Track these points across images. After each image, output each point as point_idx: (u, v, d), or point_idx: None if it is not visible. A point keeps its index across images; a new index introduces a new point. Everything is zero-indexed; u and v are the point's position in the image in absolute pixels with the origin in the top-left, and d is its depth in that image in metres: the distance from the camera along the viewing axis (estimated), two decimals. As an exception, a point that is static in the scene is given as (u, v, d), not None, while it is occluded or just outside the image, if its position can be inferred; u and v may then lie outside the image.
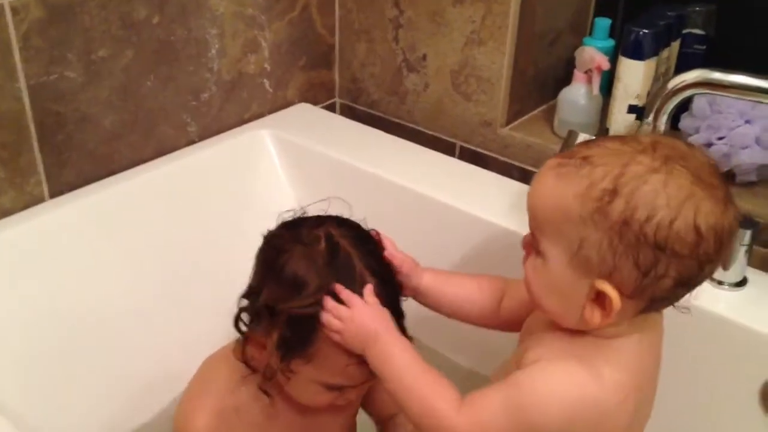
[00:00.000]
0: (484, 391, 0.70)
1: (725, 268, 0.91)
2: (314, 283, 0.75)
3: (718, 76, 0.83)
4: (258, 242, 1.19)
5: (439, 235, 1.15)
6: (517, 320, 0.81)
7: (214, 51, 1.18)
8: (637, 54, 1.04)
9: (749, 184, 1.08)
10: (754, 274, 0.93)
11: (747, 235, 0.89)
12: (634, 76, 1.05)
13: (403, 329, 0.79)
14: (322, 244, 0.77)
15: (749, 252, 0.90)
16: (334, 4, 1.34)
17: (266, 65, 1.28)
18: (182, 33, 1.13)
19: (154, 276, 1.11)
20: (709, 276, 0.66)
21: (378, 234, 0.84)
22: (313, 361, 0.77)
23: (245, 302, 0.82)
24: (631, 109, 1.08)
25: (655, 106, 0.85)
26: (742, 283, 0.92)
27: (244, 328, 0.82)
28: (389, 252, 0.83)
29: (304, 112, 1.35)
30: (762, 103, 0.84)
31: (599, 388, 0.67)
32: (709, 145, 1.07)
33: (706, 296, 0.82)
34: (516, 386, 0.69)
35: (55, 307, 1.00)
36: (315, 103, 1.39)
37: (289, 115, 1.33)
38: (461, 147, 1.29)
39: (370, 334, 0.74)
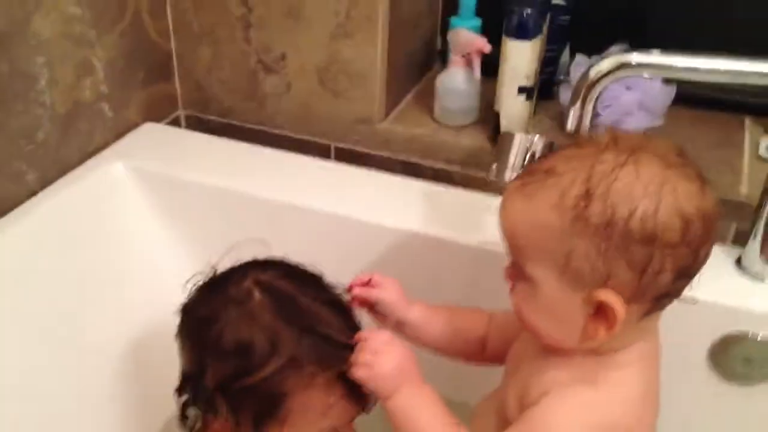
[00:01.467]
0: None
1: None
2: (265, 343, 0.66)
3: (636, 58, 0.81)
4: (134, 289, 1.06)
5: (328, 248, 1.06)
6: (502, 353, 0.76)
7: (43, 82, 0.99)
8: (523, 34, 1.00)
9: (636, 149, 1.10)
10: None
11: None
12: (522, 57, 1.02)
13: None
14: (257, 296, 0.68)
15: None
16: (165, 5, 1.18)
17: (103, 87, 1.10)
18: (4, 68, 0.93)
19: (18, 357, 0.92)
20: (704, 262, 0.63)
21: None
22: (288, 419, 0.68)
23: (184, 396, 0.73)
24: (521, 90, 1.05)
25: (580, 97, 0.82)
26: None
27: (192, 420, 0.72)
28: (375, 281, 0.77)
29: (152, 133, 1.19)
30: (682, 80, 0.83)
31: (614, 409, 0.64)
32: (597, 115, 1.07)
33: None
34: (531, 424, 0.64)
35: None
36: (158, 120, 1.23)
37: (136, 139, 1.16)
38: (336, 148, 1.21)
39: (404, 379, 0.67)
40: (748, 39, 1.09)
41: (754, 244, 0.90)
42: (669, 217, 0.58)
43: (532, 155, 0.85)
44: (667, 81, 1.10)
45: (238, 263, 0.75)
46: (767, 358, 0.89)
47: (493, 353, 0.79)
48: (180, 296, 1.07)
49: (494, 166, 0.87)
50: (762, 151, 1.08)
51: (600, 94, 0.82)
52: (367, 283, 0.79)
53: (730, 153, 1.09)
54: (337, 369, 0.68)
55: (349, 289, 0.77)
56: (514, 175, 0.86)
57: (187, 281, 0.75)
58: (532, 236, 0.62)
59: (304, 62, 1.15)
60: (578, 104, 0.82)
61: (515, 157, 0.85)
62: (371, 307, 0.79)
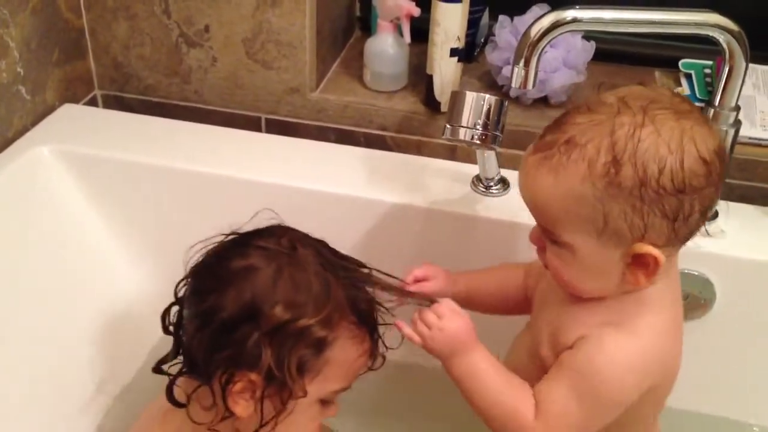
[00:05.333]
0: (545, 387, 0.70)
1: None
2: (320, 287, 0.69)
3: (573, 14, 0.84)
4: (69, 271, 1.01)
5: (277, 220, 1.06)
6: None
7: (-42, 65, 0.93)
8: (454, -3, 1.02)
9: (562, 104, 1.14)
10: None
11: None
12: (453, 20, 1.04)
13: None
14: (301, 249, 0.71)
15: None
16: (76, -21, 1.12)
17: (19, 69, 1.04)
18: None
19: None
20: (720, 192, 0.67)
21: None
22: (323, 370, 0.69)
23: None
24: (453, 52, 1.06)
25: (523, 56, 0.84)
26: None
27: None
28: (422, 274, 0.81)
29: (72, 114, 1.14)
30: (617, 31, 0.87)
31: (648, 345, 0.69)
32: (526, 74, 1.10)
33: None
34: (576, 370, 0.69)
35: None
36: (75, 101, 1.18)
37: (56, 122, 1.11)
38: (267, 120, 1.19)
39: (462, 344, 0.71)
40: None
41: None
42: (694, 165, 0.62)
43: (487, 114, 0.87)
44: (588, 38, 1.14)
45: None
46: (702, 295, 0.95)
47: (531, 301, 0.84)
48: (112, 273, 1.05)
49: (447, 126, 0.89)
50: (676, 101, 1.15)
51: (542, 51, 0.85)
52: (419, 279, 0.82)
53: (647, 104, 1.15)
54: (371, 323, 0.72)
55: (403, 290, 0.80)
56: (469, 133, 0.87)
57: (195, 245, 0.75)
58: (567, 208, 0.64)
59: (229, 34, 1.12)
60: (521, 63, 0.84)
61: (469, 115, 0.87)
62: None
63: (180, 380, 0.74)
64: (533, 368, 0.74)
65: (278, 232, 0.73)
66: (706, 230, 0.69)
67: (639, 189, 0.62)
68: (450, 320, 0.72)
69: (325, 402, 0.73)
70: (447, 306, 0.73)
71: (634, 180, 0.62)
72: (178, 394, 0.74)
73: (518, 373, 0.73)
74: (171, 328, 0.76)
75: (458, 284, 0.84)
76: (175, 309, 0.76)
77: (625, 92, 0.66)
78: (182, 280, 0.74)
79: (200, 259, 0.74)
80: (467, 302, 0.83)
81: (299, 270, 0.69)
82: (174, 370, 0.75)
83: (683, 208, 0.63)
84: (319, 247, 0.74)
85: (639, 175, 0.61)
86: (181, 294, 0.75)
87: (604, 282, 0.68)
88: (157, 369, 0.75)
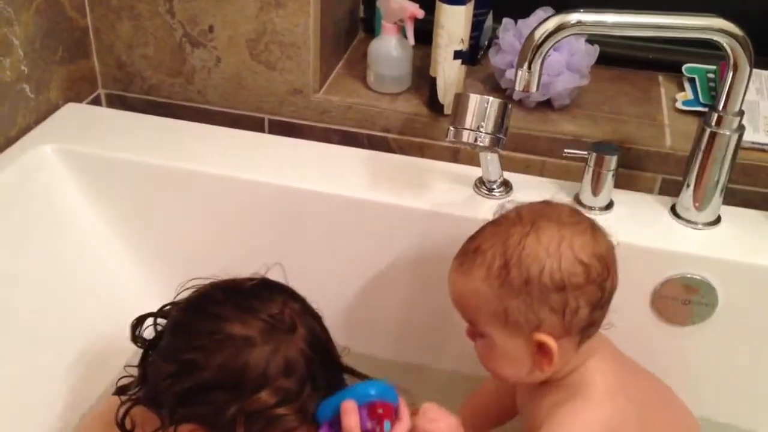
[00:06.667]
0: None
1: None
2: (307, 377, 0.70)
3: (579, 17, 0.84)
4: (69, 272, 1.01)
5: (271, 218, 1.06)
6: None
7: (-38, 63, 0.93)
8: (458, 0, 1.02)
9: (565, 108, 1.14)
10: (617, 195, 0.99)
11: (613, 161, 0.94)
12: (457, 22, 1.03)
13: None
14: (300, 330, 0.72)
15: (614, 176, 0.96)
16: (80, -22, 1.13)
17: (23, 67, 1.04)
18: None
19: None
20: (613, 292, 0.77)
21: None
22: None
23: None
24: (457, 54, 1.06)
25: (527, 59, 0.84)
26: (609, 206, 0.98)
27: None
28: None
29: (76, 113, 1.14)
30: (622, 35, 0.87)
31: (602, 402, 0.77)
32: (529, 77, 1.10)
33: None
34: None
35: None
36: (80, 100, 1.18)
37: (60, 120, 1.11)
38: (270, 120, 1.19)
39: None
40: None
41: (687, 193, 0.96)
42: (571, 266, 0.73)
43: (490, 116, 0.87)
44: (591, 41, 1.14)
45: (255, 279, 0.76)
46: (704, 300, 0.95)
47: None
48: (114, 272, 1.05)
49: (450, 128, 0.89)
50: (679, 105, 1.15)
51: (545, 54, 0.85)
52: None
53: (650, 108, 1.15)
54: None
55: None
56: (473, 136, 0.87)
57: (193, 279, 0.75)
58: (476, 305, 0.76)
59: (233, 34, 1.12)
60: (525, 66, 0.85)
61: (472, 118, 0.87)
62: None
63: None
64: None
65: (280, 301, 0.72)
66: None
67: (525, 287, 0.72)
68: (444, 419, 0.76)
69: None
70: (434, 409, 0.76)
71: (521, 279, 0.73)
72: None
73: None
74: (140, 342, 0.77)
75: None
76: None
77: (525, 208, 0.78)
78: (168, 305, 0.75)
79: (193, 297, 0.73)
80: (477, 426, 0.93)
81: (293, 353, 0.69)
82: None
83: (569, 304, 0.73)
84: (314, 325, 0.73)
85: (523, 275, 0.72)
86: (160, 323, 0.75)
87: (517, 368, 0.78)
88: (120, 392, 0.75)
